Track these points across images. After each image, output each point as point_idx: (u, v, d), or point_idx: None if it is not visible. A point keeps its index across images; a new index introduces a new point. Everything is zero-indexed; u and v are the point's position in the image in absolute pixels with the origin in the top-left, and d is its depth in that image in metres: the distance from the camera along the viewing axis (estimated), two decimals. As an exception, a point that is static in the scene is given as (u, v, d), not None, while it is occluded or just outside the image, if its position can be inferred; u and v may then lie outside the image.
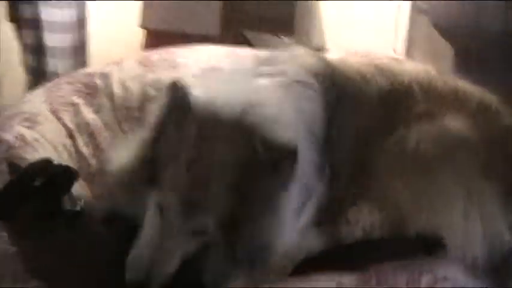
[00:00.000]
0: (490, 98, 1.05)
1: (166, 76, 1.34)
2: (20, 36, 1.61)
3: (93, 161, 1.21)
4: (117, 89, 1.33)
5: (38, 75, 1.61)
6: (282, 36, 2.05)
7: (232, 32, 2.07)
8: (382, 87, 1.02)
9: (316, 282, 0.88)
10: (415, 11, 2.14)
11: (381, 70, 1.05)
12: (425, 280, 0.89)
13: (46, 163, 0.99)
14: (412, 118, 0.99)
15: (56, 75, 1.60)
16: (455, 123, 0.98)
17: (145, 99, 1.31)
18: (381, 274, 0.90)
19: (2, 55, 1.70)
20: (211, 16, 2.03)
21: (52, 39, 1.61)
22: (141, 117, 1.28)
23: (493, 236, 0.94)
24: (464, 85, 1.06)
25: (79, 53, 1.75)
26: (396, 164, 0.97)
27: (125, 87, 1.34)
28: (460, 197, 0.94)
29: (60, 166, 0.99)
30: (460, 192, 0.94)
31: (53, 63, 1.62)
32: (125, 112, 1.31)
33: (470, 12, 1.56)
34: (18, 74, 1.70)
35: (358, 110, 1.00)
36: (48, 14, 1.59)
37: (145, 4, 2.05)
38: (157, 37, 2.08)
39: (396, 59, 1.11)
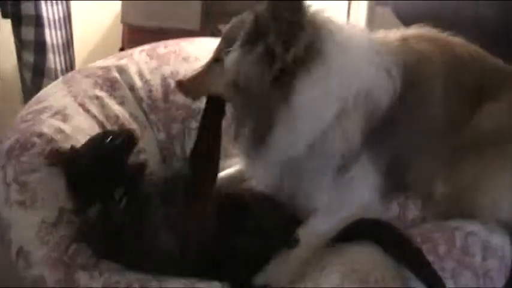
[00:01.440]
0: None
1: (182, 69, 1.41)
2: (18, 33, 1.58)
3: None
4: (138, 82, 1.36)
5: (37, 72, 1.60)
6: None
7: (212, 27, 2.14)
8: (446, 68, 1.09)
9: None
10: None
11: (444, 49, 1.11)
12: (458, 236, 1.02)
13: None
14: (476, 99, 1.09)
15: (54, 71, 1.61)
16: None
17: (167, 91, 1.36)
18: (423, 233, 1.03)
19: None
20: (192, 11, 2.08)
21: (51, 36, 1.61)
22: (169, 108, 1.34)
23: None
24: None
25: (70, 49, 1.76)
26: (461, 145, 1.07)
27: (145, 80, 1.37)
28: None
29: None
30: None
31: (52, 60, 1.61)
32: (151, 103, 1.35)
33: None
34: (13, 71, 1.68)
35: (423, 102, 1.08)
36: (48, 11, 1.59)
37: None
38: (137, 32, 2.10)
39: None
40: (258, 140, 0.98)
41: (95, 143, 1.01)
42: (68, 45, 1.75)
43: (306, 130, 0.98)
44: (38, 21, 1.58)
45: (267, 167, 1.05)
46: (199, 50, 1.50)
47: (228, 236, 0.98)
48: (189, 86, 1.09)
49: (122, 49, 2.17)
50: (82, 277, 0.94)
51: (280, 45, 0.92)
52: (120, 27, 2.20)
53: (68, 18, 1.75)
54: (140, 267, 0.94)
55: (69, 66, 1.73)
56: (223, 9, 2.13)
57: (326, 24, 0.98)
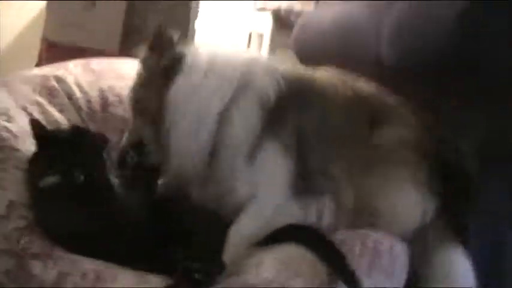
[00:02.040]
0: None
1: (118, 85, 1.50)
2: None
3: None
4: (77, 92, 1.43)
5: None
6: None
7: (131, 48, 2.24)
8: (348, 97, 1.35)
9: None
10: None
11: (344, 82, 1.38)
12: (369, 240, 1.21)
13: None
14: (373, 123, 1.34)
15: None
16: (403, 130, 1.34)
17: (106, 104, 1.45)
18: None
19: None
20: (112, 31, 2.17)
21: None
22: (107, 118, 1.43)
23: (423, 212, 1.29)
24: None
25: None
26: (366, 161, 1.29)
27: (83, 91, 1.45)
28: (408, 193, 1.28)
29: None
30: (407, 189, 1.28)
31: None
32: (90, 113, 1.42)
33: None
34: None
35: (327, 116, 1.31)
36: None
37: (49, 16, 2.10)
38: (55, 49, 2.14)
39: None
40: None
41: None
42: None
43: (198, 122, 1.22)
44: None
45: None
46: (132, 69, 1.60)
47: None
48: None
49: (38, 64, 2.20)
50: (35, 266, 0.98)
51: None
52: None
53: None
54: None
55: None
56: (144, 30, 2.25)
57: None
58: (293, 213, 1.23)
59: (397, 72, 1.62)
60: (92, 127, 1.40)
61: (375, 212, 1.28)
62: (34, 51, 2.18)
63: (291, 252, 1.10)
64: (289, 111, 1.28)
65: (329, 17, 2.08)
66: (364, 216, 1.28)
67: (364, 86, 1.40)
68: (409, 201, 1.28)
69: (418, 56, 1.56)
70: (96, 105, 1.44)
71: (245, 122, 1.23)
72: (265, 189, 1.23)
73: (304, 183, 1.25)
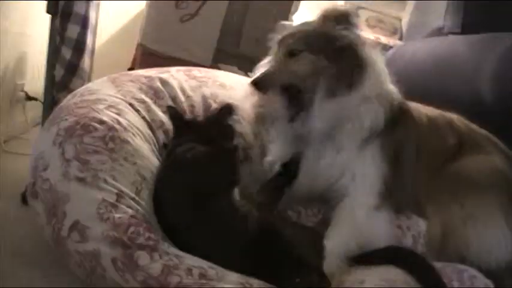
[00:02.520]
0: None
1: (221, 92, 1.54)
2: (63, 29, 1.64)
3: (170, 156, 1.32)
4: (180, 95, 1.47)
5: (70, 69, 1.66)
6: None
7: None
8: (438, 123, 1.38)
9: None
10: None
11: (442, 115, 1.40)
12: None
13: None
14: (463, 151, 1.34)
15: (86, 73, 1.68)
16: (495, 159, 1.32)
17: (208, 110, 1.48)
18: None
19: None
20: (206, 47, 2.23)
21: (90, 39, 1.69)
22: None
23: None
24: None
25: (93, 55, 1.84)
26: (453, 187, 1.27)
27: (186, 95, 1.48)
28: (498, 223, 1.26)
29: None
30: (498, 219, 1.26)
31: (87, 63, 1.69)
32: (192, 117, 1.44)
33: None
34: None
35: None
36: (91, 15, 1.68)
37: (147, 23, 2.19)
38: (150, 56, 2.21)
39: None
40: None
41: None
42: (93, 51, 1.83)
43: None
44: (84, 22, 1.66)
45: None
46: (231, 80, 1.64)
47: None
48: (265, 80, 1.27)
49: (131, 69, 2.27)
50: (141, 257, 0.99)
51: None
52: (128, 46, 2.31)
53: (96, 26, 1.84)
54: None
55: (90, 71, 1.80)
56: (234, 52, 2.30)
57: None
58: (385, 224, 1.24)
59: (498, 111, 1.60)
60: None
61: (463, 242, 1.25)
62: (128, 55, 2.26)
63: (393, 273, 1.08)
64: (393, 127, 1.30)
65: (425, 50, 2.08)
66: (450, 246, 1.26)
67: (454, 116, 1.43)
68: (499, 232, 1.25)
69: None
70: (200, 111, 1.47)
71: (372, 115, 1.28)
72: (358, 185, 1.26)
73: (393, 199, 1.27)
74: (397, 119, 1.31)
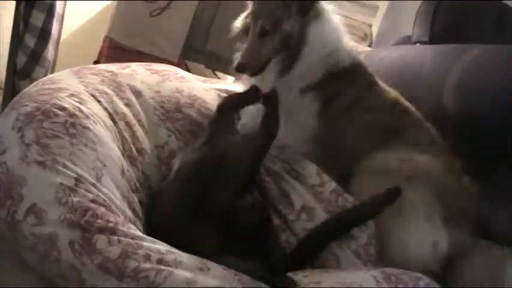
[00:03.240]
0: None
1: (185, 86, 1.58)
2: (27, 16, 1.65)
3: (133, 147, 1.36)
4: (144, 90, 1.51)
5: (33, 57, 1.67)
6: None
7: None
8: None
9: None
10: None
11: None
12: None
13: None
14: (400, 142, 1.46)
15: (50, 63, 1.70)
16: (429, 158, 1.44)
17: (179, 103, 1.53)
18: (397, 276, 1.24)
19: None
20: (174, 43, 2.27)
21: (55, 28, 1.71)
22: (185, 117, 1.52)
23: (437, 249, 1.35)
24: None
25: (58, 45, 1.86)
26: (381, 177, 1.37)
27: (153, 90, 1.52)
28: (420, 217, 1.35)
29: None
30: (420, 213, 1.35)
31: (51, 52, 1.70)
32: (164, 112, 1.49)
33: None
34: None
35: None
36: (58, 3, 1.70)
37: (116, 16, 2.21)
38: (117, 50, 2.24)
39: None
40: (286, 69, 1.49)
41: None
42: (58, 40, 1.84)
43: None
44: (50, 10, 1.67)
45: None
46: (186, 73, 1.71)
47: None
48: (250, 62, 1.47)
49: (96, 62, 2.30)
50: (99, 240, 1.02)
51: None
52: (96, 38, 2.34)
53: (62, 16, 1.86)
54: None
55: (54, 61, 1.82)
56: (202, 49, 2.35)
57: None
58: None
59: (460, 120, 1.68)
60: (170, 127, 1.48)
61: (386, 237, 1.35)
62: (95, 48, 2.28)
63: (349, 277, 1.16)
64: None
65: (392, 58, 2.16)
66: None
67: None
68: (419, 231, 1.34)
69: (482, 109, 1.62)
70: (171, 106, 1.51)
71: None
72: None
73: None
74: (339, 76, 1.52)
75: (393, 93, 1.62)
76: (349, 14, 2.48)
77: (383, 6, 2.72)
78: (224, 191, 1.21)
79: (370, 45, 2.65)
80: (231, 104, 1.43)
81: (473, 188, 1.45)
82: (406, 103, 1.61)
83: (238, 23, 1.59)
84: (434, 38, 2.09)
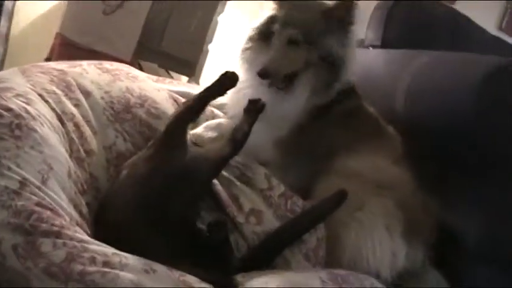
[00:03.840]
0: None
1: (136, 86, 1.59)
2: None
3: (81, 148, 1.37)
4: (96, 90, 1.51)
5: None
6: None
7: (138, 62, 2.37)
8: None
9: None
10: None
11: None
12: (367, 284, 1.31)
13: None
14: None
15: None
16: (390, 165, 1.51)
17: (128, 104, 1.54)
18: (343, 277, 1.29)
19: None
20: (128, 42, 2.27)
21: (3, 24, 1.69)
22: (133, 120, 1.52)
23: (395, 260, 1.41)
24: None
25: (6, 42, 1.85)
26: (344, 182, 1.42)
27: (103, 89, 1.53)
28: (380, 227, 1.40)
29: None
30: (380, 223, 1.40)
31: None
32: (114, 114, 1.50)
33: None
34: None
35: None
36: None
37: (68, 13, 2.20)
38: (70, 47, 2.23)
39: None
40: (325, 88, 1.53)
41: None
42: (7, 37, 1.83)
43: None
44: (-1, 8, 1.66)
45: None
46: (139, 72, 1.73)
47: None
48: (274, 69, 1.46)
49: (48, 59, 2.28)
50: (44, 244, 1.03)
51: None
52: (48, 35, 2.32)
53: (12, 11, 1.84)
54: None
55: (3, 59, 1.81)
56: (156, 49, 2.36)
57: None
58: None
59: (410, 123, 1.75)
60: (118, 128, 1.48)
61: (340, 244, 1.40)
62: (46, 45, 2.26)
63: (297, 277, 1.20)
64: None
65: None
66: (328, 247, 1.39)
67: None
68: (377, 240, 1.39)
69: (429, 114, 1.69)
70: (120, 106, 1.52)
71: None
72: None
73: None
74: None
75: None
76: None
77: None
78: (180, 204, 1.23)
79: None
80: (182, 123, 1.38)
81: (432, 203, 1.51)
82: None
83: (256, 25, 1.58)
84: (386, 43, 2.16)
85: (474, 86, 1.48)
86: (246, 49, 1.57)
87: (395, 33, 2.18)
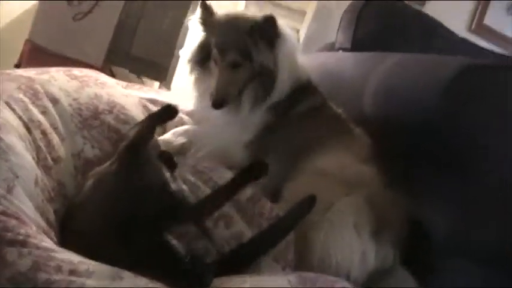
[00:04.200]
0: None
1: (104, 92, 1.61)
2: None
3: (48, 156, 1.37)
4: (63, 97, 1.53)
5: None
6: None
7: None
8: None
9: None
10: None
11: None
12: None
13: None
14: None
15: None
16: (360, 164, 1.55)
17: (94, 110, 1.55)
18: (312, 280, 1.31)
19: None
20: (98, 48, 2.28)
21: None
22: (101, 127, 1.53)
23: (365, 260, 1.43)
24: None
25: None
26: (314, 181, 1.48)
27: (71, 96, 1.54)
28: (349, 226, 1.43)
29: None
30: (349, 222, 1.43)
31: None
32: (82, 120, 1.51)
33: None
34: None
35: None
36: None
37: (37, 19, 2.20)
38: (39, 53, 2.22)
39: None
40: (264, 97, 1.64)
41: None
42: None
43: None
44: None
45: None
46: (109, 79, 1.74)
47: None
48: (226, 95, 1.60)
49: (17, 65, 2.28)
50: (9, 253, 1.03)
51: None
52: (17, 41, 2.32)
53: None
54: None
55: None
56: (126, 54, 2.37)
57: None
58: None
59: (377, 124, 1.78)
60: (86, 135, 1.49)
61: (309, 245, 1.42)
62: (15, 51, 2.26)
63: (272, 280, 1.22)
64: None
65: (314, 64, 2.25)
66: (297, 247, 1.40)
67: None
68: (346, 241, 1.41)
69: (399, 113, 1.73)
70: (88, 113, 1.54)
71: None
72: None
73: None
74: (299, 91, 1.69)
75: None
76: (278, 18, 2.56)
77: (310, 12, 2.80)
78: (148, 215, 1.23)
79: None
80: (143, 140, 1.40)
81: (401, 201, 1.53)
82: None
83: (190, 52, 1.70)
84: (356, 45, 2.20)
85: (442, 85, 1.51)
86: (191, 73, 1.72)
87: (364, 35, 2.21)
